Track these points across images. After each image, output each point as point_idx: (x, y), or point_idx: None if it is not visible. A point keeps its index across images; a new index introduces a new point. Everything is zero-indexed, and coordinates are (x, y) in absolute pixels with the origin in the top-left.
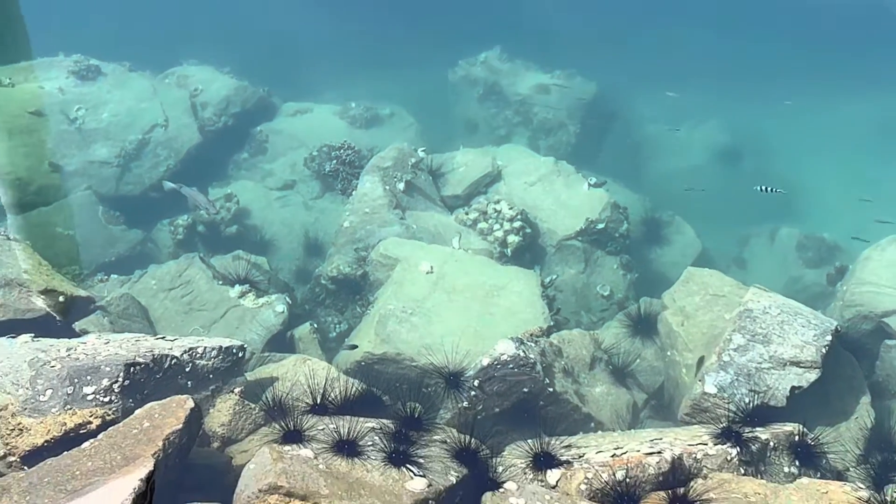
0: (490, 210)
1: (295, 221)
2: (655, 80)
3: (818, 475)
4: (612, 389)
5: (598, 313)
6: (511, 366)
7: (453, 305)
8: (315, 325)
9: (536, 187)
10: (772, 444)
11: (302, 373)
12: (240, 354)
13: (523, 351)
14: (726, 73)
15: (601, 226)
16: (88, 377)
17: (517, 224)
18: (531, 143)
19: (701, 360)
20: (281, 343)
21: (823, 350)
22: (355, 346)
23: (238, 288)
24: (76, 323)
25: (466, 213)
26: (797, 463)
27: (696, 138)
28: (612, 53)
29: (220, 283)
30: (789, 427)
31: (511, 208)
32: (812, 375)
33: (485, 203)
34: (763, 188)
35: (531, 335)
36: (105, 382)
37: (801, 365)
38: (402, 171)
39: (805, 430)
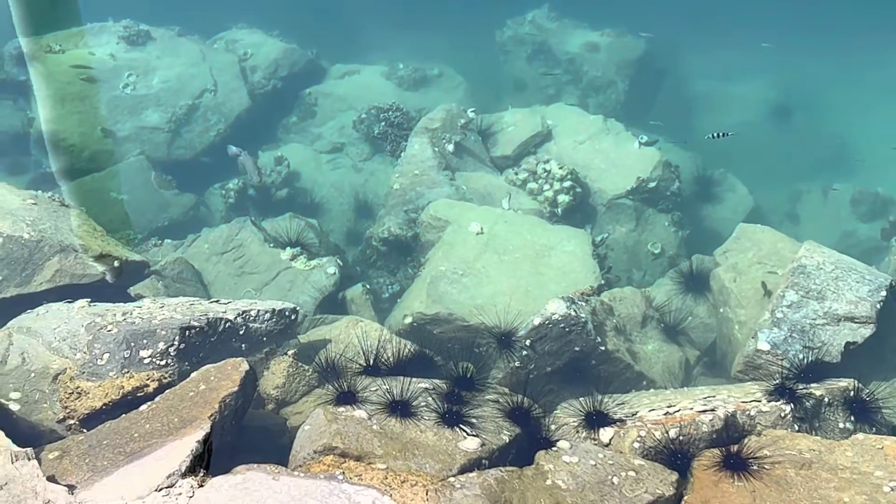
0: (540, 170)
1: (345, 184)
2: (706, 34)
3: (873, 430)
4: (664, 347)
5: (650, 271)
6: (562, 325)
7: (504, 266)
8: (367, 287)
9: (586, 146)
10: (826, 399)
11: (354, 334)
12: (292, 317)
13: (574, 310)
14: (779, 27)
15: (653, 184)
16: (145, 341)
17: (567, 184)
18: (580, 101)
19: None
20: (333, 305)
21: (878, 305)
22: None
23: (290, 250)
24: (131, 287)
25: (516, 174)
26: (852, 419)
27: (748, 94)
28: (661, 8)
29: (272, 245)
30: (844, 382)
31: (561, 168)
32: (867, 331)
33: (534, 163)
34: (714, 135)
35: (582, 294)
36: (161, 346)
37: (856, 320)
38: (451, 131)
39: (860, 385)
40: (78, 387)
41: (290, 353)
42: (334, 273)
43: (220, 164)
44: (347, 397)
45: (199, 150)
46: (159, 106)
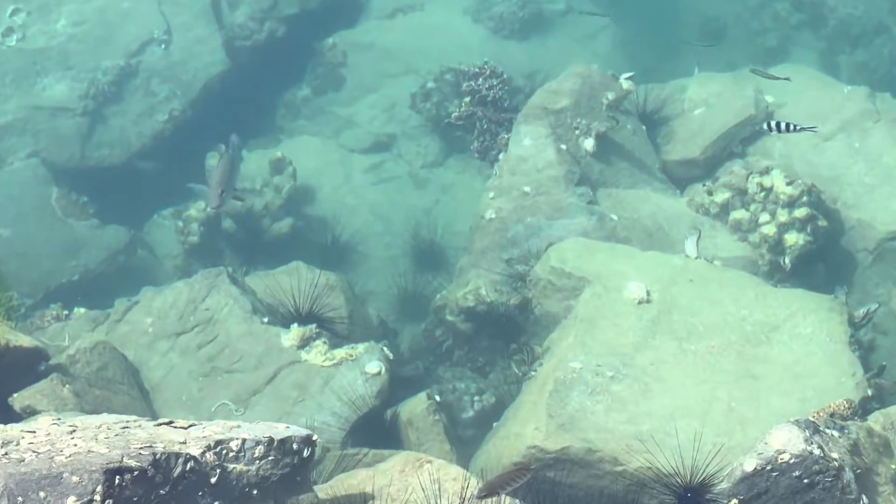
0: (752, 187)
1: (395, 208)
2: None
3: None
4: None
5: None
6: (797, 472)
7: (687, 361)
8: (437, 398)
9: (837, 143)
10: None
11: (416, 485)
12: (305, 453)
13: (819, 446)
14: None
15: None
16: (42, 493)
17: (802, 212)
18: (824, 60)
19: None
20: (376, 430)
21: None
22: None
23: (297, 330)
24: (15, 396)
25: (709, 193)
26: None
27: None
28: None
29: (266, 321)
30: None
31: (790, 183)
32: None
33: (742, 173)
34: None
35: (833, 415)
36: (71, 502)
37: None
38: (588, 115)
39: None
40: None
41: None
42: (378, 372)
43: (173, 174)
44: None
45: (138, 147)
46: (67, 68)
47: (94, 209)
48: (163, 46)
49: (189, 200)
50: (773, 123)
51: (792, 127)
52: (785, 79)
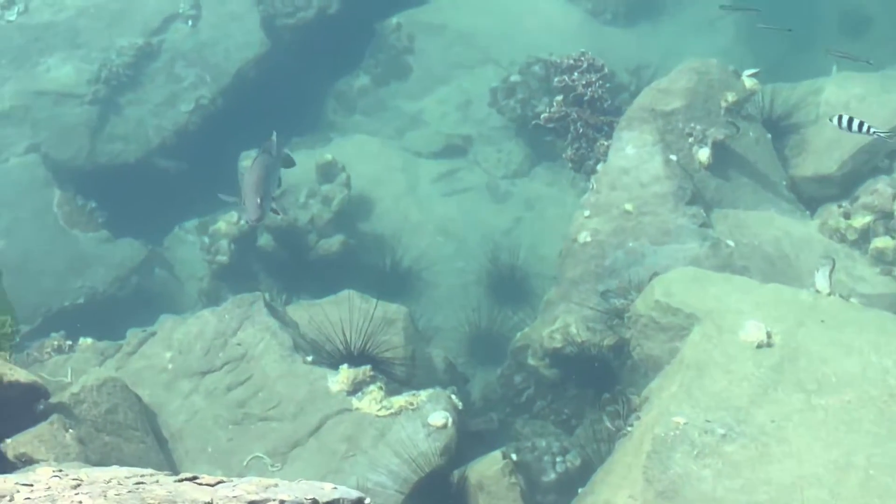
0: None
1: (469, 226)
2: None
3: None
4: None
5: None
6: None
7: (817, 419)
8: (513, 457)
9: None
10: None
11: None
12: None
13: None
14: None
15: None
16: None
17: None
18: None
19: None
20: (441, 493)
21: None
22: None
23: (347, 372)
24: (10, 441)
25: (846, 216)
26: None
27: None
28: None
29: (309, 359)
30: None
31: None
32: None
33: (888, 193)
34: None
35: None
36: None
37: None
38: (704, 119)
39: None
40: None
41: None
42: (444, 425)
43: (200, 177)
44: None
45: (157, 143)
46: (75, 47)
47: (104, 218)
48: (189, 23)
49: (218, 211)
50: (844, 118)
51: (866, 128)
52: (866, 61)
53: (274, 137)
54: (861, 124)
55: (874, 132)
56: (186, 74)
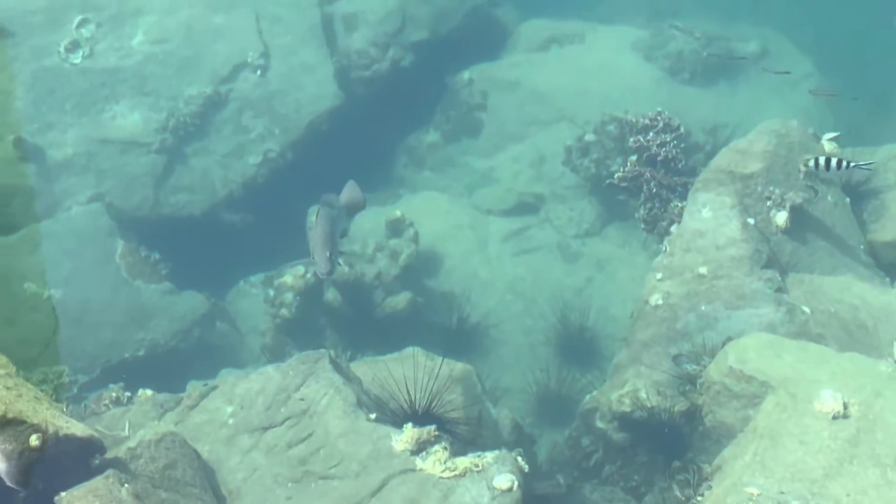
0: None
1: (538, 285)
2: None
3: None
4: None
5: None
6: None
7: (894, 495)
8: None
9: None
10: None
11: None
12: None
13: None
14: None
15: None
16: None
17: None
18: None
19: None
20: None
21: None
22: None
23: (411, 431)
24: (64, 495)
25: None
26: None
27: None
28: None
29: (373, 417)
30: None
31: None
32: None
33: None
34: None
35: None
36: None
37: None
38: (783, 183)
39: None
40: None
41: None
42: (510, 488)
43: (266, 231)
44: None
45: (224, 195)
46: (142, 94)
47: (168, 269)
48: (258, 73)
49: (284, 265)
50: (821, 160)
51: (845, 164)
52: (852, 97)
53: (327, 200)
54: (840, 162)
55: (853, 165)
56: (255, 125)
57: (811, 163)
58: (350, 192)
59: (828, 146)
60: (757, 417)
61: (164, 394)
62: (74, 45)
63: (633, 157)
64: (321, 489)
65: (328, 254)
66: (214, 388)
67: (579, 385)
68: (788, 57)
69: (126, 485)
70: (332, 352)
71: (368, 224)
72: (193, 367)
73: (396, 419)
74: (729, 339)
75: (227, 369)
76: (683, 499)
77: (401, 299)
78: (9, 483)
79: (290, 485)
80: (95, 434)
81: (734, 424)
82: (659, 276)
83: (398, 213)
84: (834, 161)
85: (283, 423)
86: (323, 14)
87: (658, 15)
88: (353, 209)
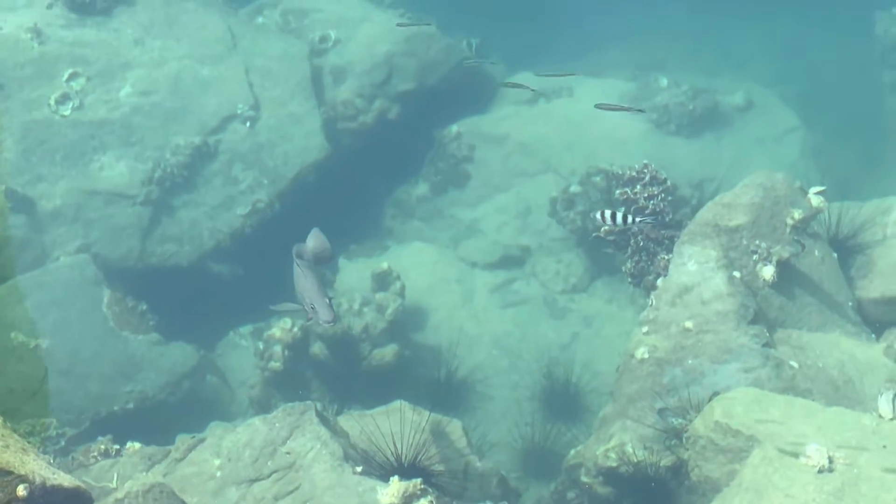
0: None
1: (525, 340)
2: None
3: None
4: None
5: None
6: None
7: None
8: None
9: None
10: None
11: None
12: None
13: None
14: None
15: None
16: None
17: None
18: None
19: None
20: None
21: None
22: None
23: (397, 484)
24: None
25: None
26: None
27: None
28: None
29: (359, 470)
30: None
31: None
32: None
33: None
34: None
35: None
36: None
37: None
38: (769, 236)
39: None
40: None
41: None
42: None
43: (254, 282)
44: None
45: (211, 245)
46: (130, 145)
47: (155, 320)
48: (247, 124)
49: (273, 317)
50: (607, 213)
51: (631, 219)
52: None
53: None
54: (625, 217)
55: (639, 220)
56: (244, 177)
57: (598, 215)
58: (314, 240)
59: (814, 200)
60: (743, 471)
61: (153, 446)
62: (64, 98)
63: (622, 210)
64: None
65: (328, 300)
66: (202, 440)
67: (565, 439)
68: (774, 110)
69: None
70: (317, 405)
71: (355, 276)
72: (182, 420)
73: (383, 472)
74: (715, 393)
75: (216, 422)
76: None
77: (387, 352)
78: None
79: None
80: (83, 486)
81: (720, 479)
82: (645, 329)
83: (385, 266)
84: (619, 216)
85: (269, 475)
86: (313, 66)
87: (644, 68)
88: (320, 259)
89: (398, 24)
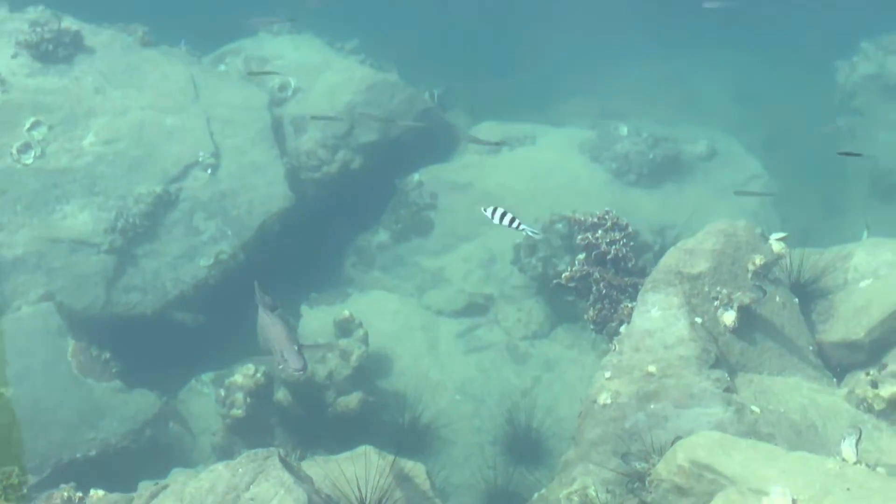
0: None
1: (488, 386)
2: None
3: None
4: None
5: None
6: None
7: None
8: None
9: None
10: None
11: None
12: None
13: None
14: None
15: None
16: None
17: None
18: None
19: None
20: None
21: None
22: None
23: None
24: None
25: (874, 385)
26: None
27: None
28: None
29: None
30: None
31: None
32: None
33: None
34: None
35: None
36: None
37: None
38: (731, 283)
39: None
40: None
41: None
42: None
43: (217, 331)
44: None
45: (174, 295)
46: (93, 194)
47: (119, 368)
48: (209, 171)
49: (235, 364)
50: (498, 210)
51: (517, 224)
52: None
53: (261, 293)
54: (512, 219)
55: (523, 228)
56: (206, 227)
57: (488, 211)
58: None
59: (776, 246)
60: None
61: (116, 493)
62: (26, 147)
63: (581, 256)
64: None
65: (296, 348)
66: (165, 487)
67: (527, 482)
68: (737, 158)
69: None
70: (280, 450)
71: (316, 323)
72: (145, 467)
73: None
74: (678, 437)
75: (179, 468)
76: None
77: (352, 399)
78: None
79: None
80: None
81: None
82: (608, 374)
83: (346, 313)
84: (507, 217)
85: None
86: (273, 116)
87: (607, 116)
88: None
89: (312, 117)
